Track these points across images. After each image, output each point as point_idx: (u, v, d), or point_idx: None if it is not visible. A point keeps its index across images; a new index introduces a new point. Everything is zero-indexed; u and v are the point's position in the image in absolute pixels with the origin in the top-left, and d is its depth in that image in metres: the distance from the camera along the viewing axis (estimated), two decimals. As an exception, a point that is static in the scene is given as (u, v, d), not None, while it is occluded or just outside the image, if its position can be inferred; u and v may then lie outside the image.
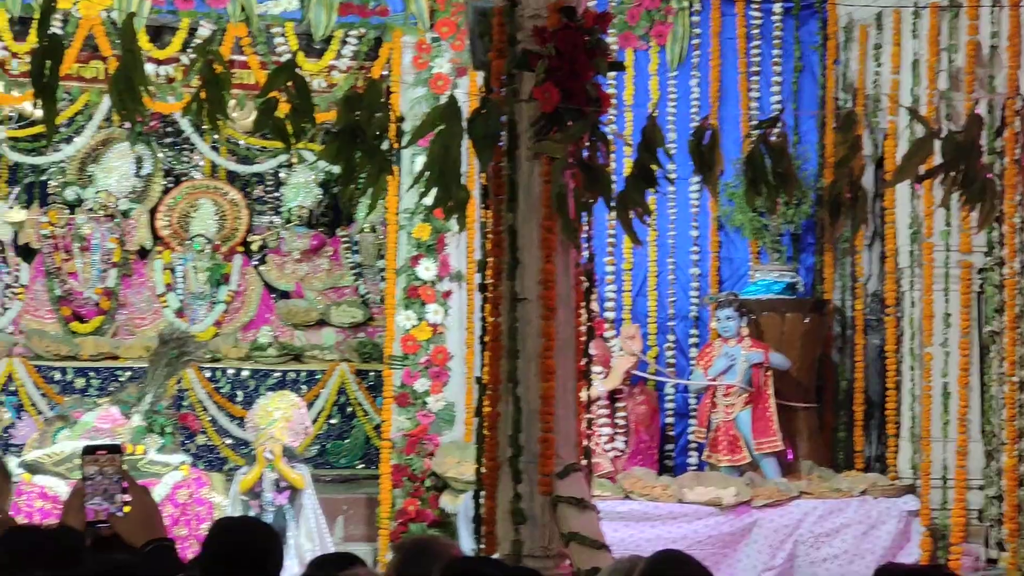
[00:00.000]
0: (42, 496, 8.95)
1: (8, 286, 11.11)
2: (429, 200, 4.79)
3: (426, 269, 9.91)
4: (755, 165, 4.99)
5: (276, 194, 11.83)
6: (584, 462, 5.02)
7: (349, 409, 11.07)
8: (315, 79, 9.87)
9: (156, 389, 9.67)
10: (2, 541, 3.04)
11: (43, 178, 11.35)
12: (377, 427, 10.61)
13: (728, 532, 8.76)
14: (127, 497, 3.38)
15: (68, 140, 10.81)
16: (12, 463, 9.25)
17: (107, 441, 8.46)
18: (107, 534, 3.38)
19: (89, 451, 3.42)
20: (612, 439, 9.58)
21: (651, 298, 10.29)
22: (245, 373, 11.04)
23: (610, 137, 5.01)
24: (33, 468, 9.08)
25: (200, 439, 10.83)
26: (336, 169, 9.34)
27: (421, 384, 9.85)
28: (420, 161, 9.29)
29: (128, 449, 9.14)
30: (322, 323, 11.47)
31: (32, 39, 9.65)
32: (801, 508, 8.88)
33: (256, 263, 11.71)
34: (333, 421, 11.03)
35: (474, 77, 9.58)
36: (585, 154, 4.92)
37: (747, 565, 8.77)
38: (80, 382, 10.78)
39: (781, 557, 8.76)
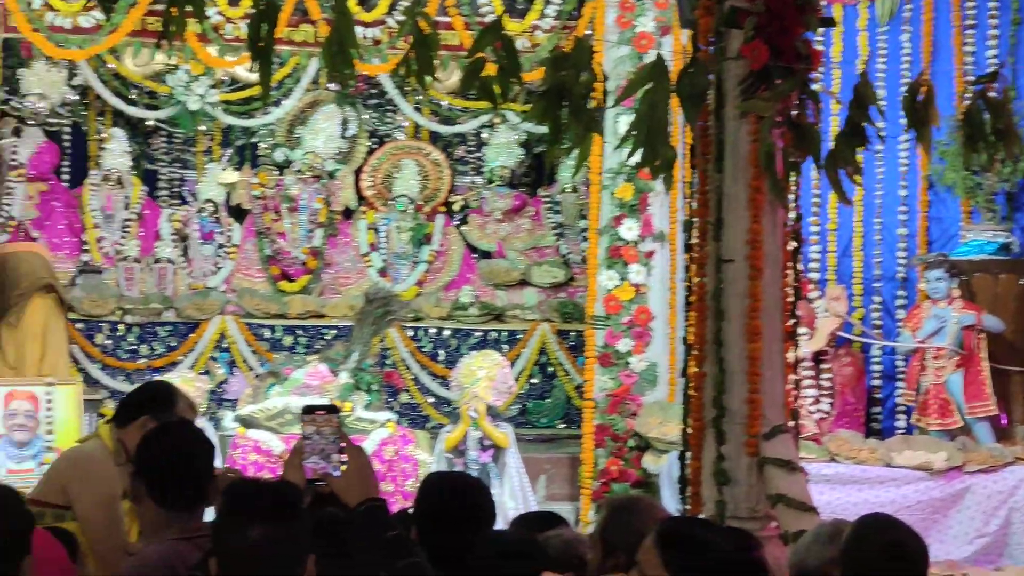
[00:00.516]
0: (256, 450, 9.26)
1: (221, 246, 11.33)
2: (635, 160, 4.76)
3: (629, 229, 9.86)
4: (973, 122, 4.82)
5: (478, 154, 11.84)
6: (791, 424, 4.95)
7: (550, 369, 11.08)
8: (518, 39, 9.85)
9: (362, 347, 9.85)
10: (225, 493, 3.10)
11: (253, 140, 11.51)
12: (578, 387, 10.63)
13: (939, 498, 8.63)
14: (344, 457, 3.40)
15: (277, 103, 10.98)
16: (227, 417, 9.58)
17: (322, 400, 8.67)
18: (325, 492, 3.42)
19: (308, 411, 3.45)
20: (817, 401, 9.48)
21: (857, 259, 10.17)
22: (447, 332, 11.10)
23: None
24: (247, 422, 9.36)
25: (404, 397, 10.93)
26: (540, 129, 9.37)
27: (624, 344, 9.83)
28: (624, 121, 9.25)
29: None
30: (523, 283, 11.50)
31: (246, 4, 9.99)
32: (1016, 474, 8.69)
33: (458, 223, 11.77)
34: (534, 381, 11.07)
35: (678, 35, 9.52)
36: (794, 112, 4.77)
37: (958, 532, 8.65)
38: (288, 340, 11.00)
39: (995, 524, 8.62)
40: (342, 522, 3.40)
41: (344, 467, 3.41)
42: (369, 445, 9.17)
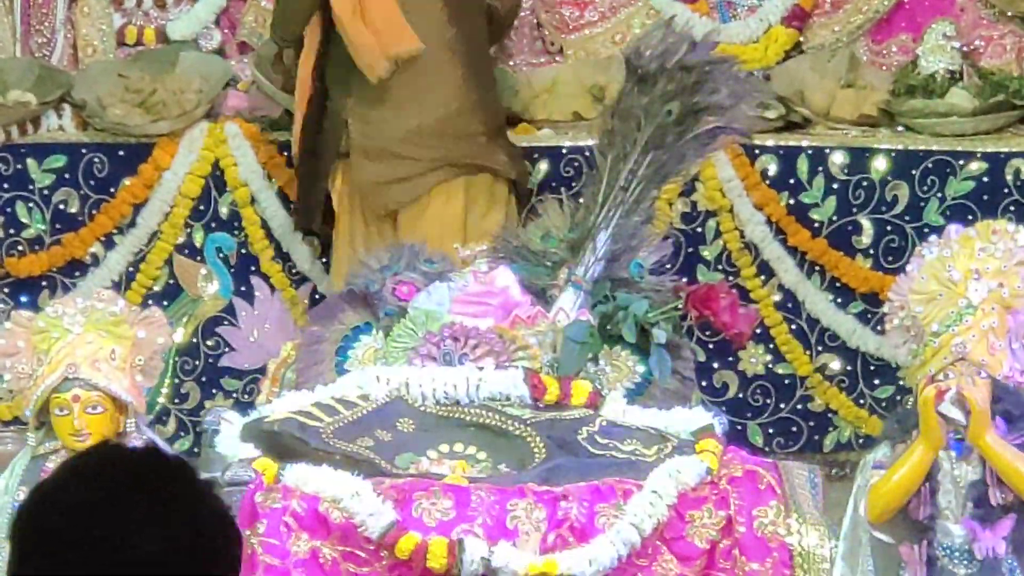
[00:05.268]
0: (311, 521, 7.12)
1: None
2: None
3: None
4: None
5: None
6: None
7: None
8: None
9: (622, 212, 7.68)
10: None
11: None
12: None
13: None
14: None
15: None
16: (229, 427, 7.48)
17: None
18: None
19: None
20: None
21: None
22: (882, 165, 9.08)
23: None
24: (284, 447, 7.25)
25: (750, 361, 9.12)
26: None
27: None
28: None
29: None
30: None
31: None
32: None
33: None
34: None
35: None
36: None
37: None
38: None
39: None
40: None
41: None
42: (641, 510, 6.49)
